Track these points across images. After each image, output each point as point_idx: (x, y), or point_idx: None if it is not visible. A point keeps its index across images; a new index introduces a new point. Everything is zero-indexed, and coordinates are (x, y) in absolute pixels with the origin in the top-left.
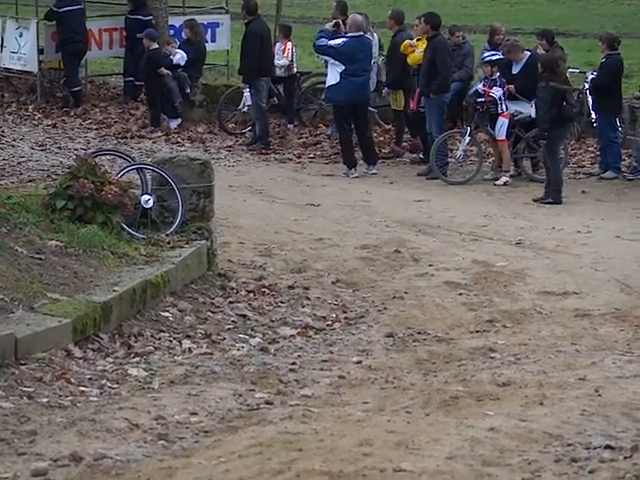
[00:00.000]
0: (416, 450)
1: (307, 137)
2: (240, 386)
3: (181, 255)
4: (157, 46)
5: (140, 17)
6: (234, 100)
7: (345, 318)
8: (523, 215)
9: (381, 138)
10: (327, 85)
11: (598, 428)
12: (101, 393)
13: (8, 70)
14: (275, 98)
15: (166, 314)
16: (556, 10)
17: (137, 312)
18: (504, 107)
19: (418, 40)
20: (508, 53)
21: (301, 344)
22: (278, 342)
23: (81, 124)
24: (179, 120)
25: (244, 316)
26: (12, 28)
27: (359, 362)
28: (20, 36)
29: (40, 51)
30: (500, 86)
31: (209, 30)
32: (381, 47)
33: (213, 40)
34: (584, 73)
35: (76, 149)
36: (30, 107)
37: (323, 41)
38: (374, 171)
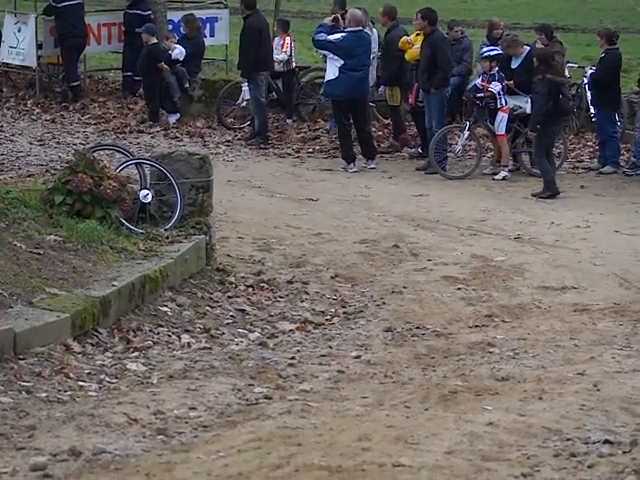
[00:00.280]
0: (415, 445)
1: (306, 132)
2: (239, 381)
3: (180, 250)
4: (156, 41)
5: (139, 12)
6: (233, 95)
7: (344, 313)
8: (522, 210)
9: (380, 133)
10: (326, 80)
11: (597, 423)
12: (100, 388)
13: (7, 65)
14: (274, 93)
15: (165, 309)
16: (555, 4)
17: (136, 307)
18: (503, 102)
19: (417, 35)
20: (508, 48)
21: (300, 339)
22: (277, 337)
23: (80, 119)
24: (178, 115)
25: (243, 311)
26: (11, 23)
27: (358, 357)
28: (19, 31)
29: (39, 46)
30: (499, 81)
31: (208, 25)
32: (380, 42)
33: (212, 35)
34: (583, 68)
35: (75, 144)
36: (29, 102)
37: (322, 36)
38: (373, 166)
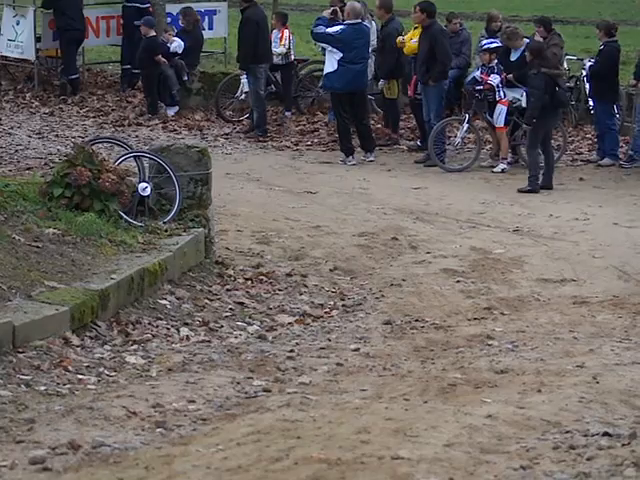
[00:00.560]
0: (414, 437)
1: (304, 125)
2: (238, 374)
3: (178, 243)
4: (154, 34)
5: (138, 5)
6: (231, 88)
7: (343, 305)
8: (521, 202)
9: (378, 125)
10: (325, 73)
11: (596, 415)
12: (99, 381)
13: (5, 58)
14: (272, 86)
15: (164, 302)
16: None
17: (135, 300)
18: (502, 94)
19: (415, 29)
20: (507, 40)
21: (299, 332)
22: (276, 330)
23: (78, 112)
24: (176, 108)
25: (242, 304)
26: (9, 16)
27: (357, 349)
28: (17, 24)
29: (37, 39)
30: (498, 73)
31: (206, 18)
32: (378, 35)
33: (210, 28)
34: (582, 60)
35: (73, 137)
36: (27, 95)
37: (321, 28)
38: (372, 158)
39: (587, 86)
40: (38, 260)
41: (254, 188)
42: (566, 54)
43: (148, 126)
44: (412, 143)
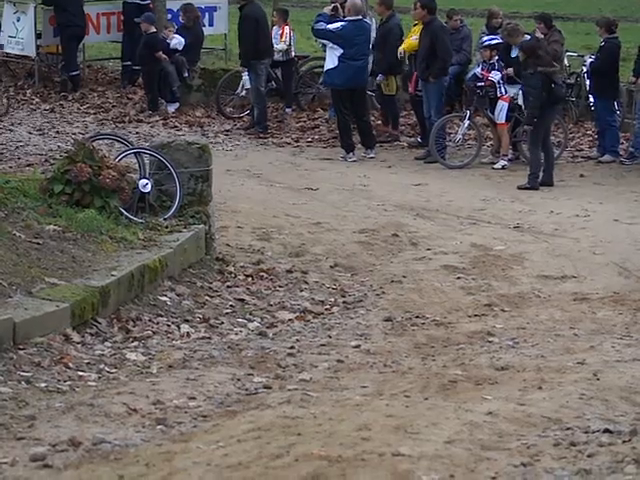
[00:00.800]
0: (415, 434)
1: (305, 121)
2: (238, 370)
3: (179, 239)
4: (155, 30)
5: (138, 1)
6: (232, 84)
7: (343, 302)
8: (521, 199)
9: (379, 122)
10: (325, 69)
11: (597, 412)
12: (99, 378)
13: (6, 55)
14: (273, 82)
15: (164, 298)
16: None
17: (135, 296)
18: (503, 90)
19: (415, 25)
20: (508, 37)
21: (299, 328)
22: (276, 326)
23: (79, 108)
24: (177, 104)
25: (242, 300)
26: (10, 12)
27: (357, 346)
28: (18, 20)
29: (38, 35)
30: (498, 70)
31: (207, 14)
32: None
33: (211, 24)
34: (582, 57)
35: (74, 133)
36: (28, 92)
37: (322, 25)
38: (372, 155)
39: (587, 83)
40: (38, 257)
41: (254, 185)
42: (566, 51)
43: (149, 123)
44: (412, 140)
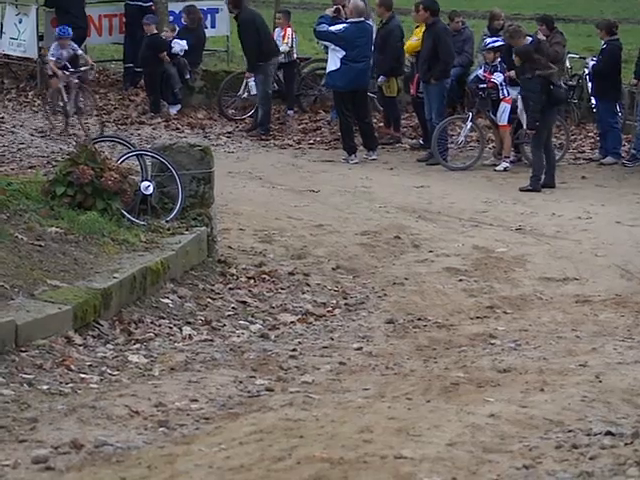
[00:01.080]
0: (417, 437)
1: (307, 123)
2: (240, 373)
3: (181, 242)
4: (157, 31)
5: (140, 3)
6: (234, 86)
7: (345, 304)
8: (523, 201)
9: (381, 124)
10: (327, 71)
11: (599, 414)
12: (101, 380)
13: (8, 56)
14: (275, 84)
15: (166, 301)
16: None
17: (137, 299)
18: (505, 92)
19: (416, 27)
20: (510, 38)
21: (301, 330)
22: (278, 328)
23: None
24: (179, 106)
25: (244, 302)
26: (12, 14)
27: (359, 348)
28: (20, 22)
29: (40, 37)
30: (501, 72)
31: (209, 16)
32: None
33: (213, 26)
34: (584, 58)
35: (76, 135)
36: (30, 93)
37: (324, 27)
38: (374, 157)
39: (589, 85)
40: (41, 259)
41: (256, 187)
42: (568, 52)
43: (150, 124)
44: (414, 141)
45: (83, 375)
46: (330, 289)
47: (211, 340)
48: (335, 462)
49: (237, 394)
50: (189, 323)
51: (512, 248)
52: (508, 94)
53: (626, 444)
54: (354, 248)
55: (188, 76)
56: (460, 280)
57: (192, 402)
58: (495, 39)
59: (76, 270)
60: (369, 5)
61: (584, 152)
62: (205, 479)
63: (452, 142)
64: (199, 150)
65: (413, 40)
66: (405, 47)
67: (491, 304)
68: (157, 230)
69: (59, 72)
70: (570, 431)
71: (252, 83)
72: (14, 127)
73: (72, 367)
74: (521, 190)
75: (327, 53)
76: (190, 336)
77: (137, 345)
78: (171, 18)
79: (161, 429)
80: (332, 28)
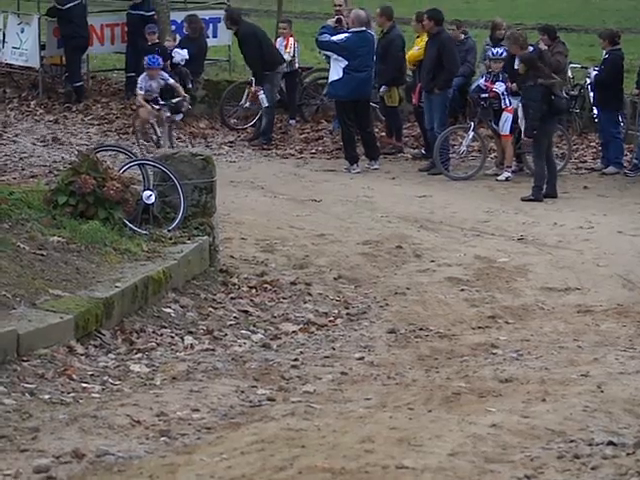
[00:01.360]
0: (418, 447)
1: (309, 132)
2: (242, 382)
3: (183, 251)
4: (158, 41)
5: (142, 12)
6: (236, 95)
7: (347, 314)
8: (525, 211)
9: (383, 134)
10: (330, 80)
11: (601, 424)
12: (103, 389)
13: (10, 66)
14: (277, 94)
15: (168, 310)
16: (558, 5)
17: (139, 308)
18: (507, 102)
19: (417, 37)
20: (511, 45)
21: (303, 340)
22: (280, 338)
23: (83, 120)
24: (181, 115)
25: (246, 312)
26: (14, 23)
27: (361, 358)
28: (22, 32)
29: (42, 47)
30: (503, 81)
31: (210, 25)
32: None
33: (215, 35)
34: (586, 68)
35: (78, 145)
36: (32, 103)
37: (326, 37)
38: (376, 166)
39: (591, 94)
40: (42, 268)
41: (258, 196)
42: (570, 62)
43: None
44: (416, 151)
45: (85, 384)
46: (332, 299)
47: (213, 350)
48: (337, 472)
49: (239, 404)
50: (191, 332)
51: (514, 258)
52: (510, 104)
53: (628, 454)
54: (356, 258)
55: (190, 85)
56: (462, 290)
57: (194, 412)
58: (504, 49)
59: (78, 279)
60: (370, 14)
61: (586, 162)
62: None
63: (454, 152)
64: (201, 159)
65: (415, 50)
66: (407, 57)
67: (493, 314)
68: (159, 239)
69: (148, 107)
70: (572, 441)
71: (262, 96)
72: (16, 136)
73: (74, 376)
74: (523, 200)
75: (329, 63)
76: (192, 345)
77: (139, 354)
78: (173, 27)
79: (163, 439)
80: (334, 38)
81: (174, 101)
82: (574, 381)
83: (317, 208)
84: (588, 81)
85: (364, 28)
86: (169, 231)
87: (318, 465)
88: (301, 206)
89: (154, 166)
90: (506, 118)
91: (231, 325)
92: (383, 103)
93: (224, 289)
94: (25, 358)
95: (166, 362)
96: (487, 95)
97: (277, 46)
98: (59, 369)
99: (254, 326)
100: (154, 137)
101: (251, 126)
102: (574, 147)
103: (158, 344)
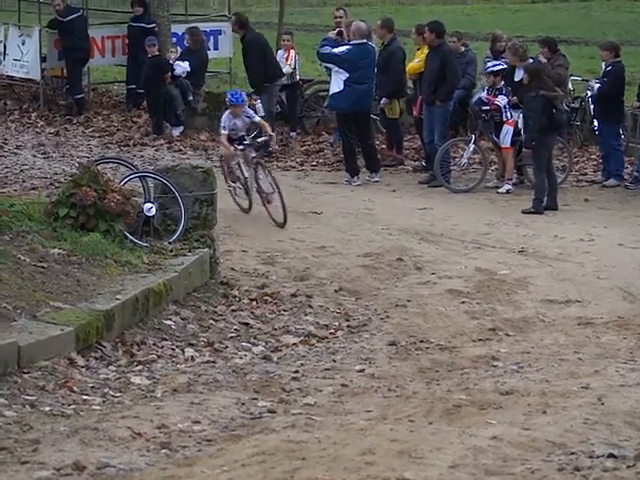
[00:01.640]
0: (419, 459)
1: (310, 145)
2: (243, 394)
3: (184, 263)
4: (159, 53)
5: (143, 25)
6: None
7: (348, 326)
8: (525, 223)
9: (383, 146)
10: (331, 93)
11: (601, 437)
12: (104, 402)
13: (11, 78)
14: (278, 106)
15: (169, 322)
16: (558, 17)
17: (140, 320)
18: (509, 115)
19: (417, 49)
20: (511, 56)
21: (304, 352)
22: (281, 350)
23: (84, 132)
24: (181, 128)
25: (247, 324)
26: (15, 35)
27: (362, 370)
28: (23, 44)
29: (43, 59)
30: (505, 94)
31: (211, 37)
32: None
33: (216, 48)
34: (587, 81)
35: (79, 157)
36: (33, 115)
37: (327, 49)
38: (377, 179)
39: (592, 107)
40: (43, 280)
41: (259, 208)
42: (571, 75)
43: (153, 146)
44: (417, 163)
45: (85, 397)
46: (332, 311)
47: (213, 362)
48: None
49: (239, 416)
50: (191, 345)
51: (514, 270)
52: (511, 116)
53: (628, 467)
54: (356, 270)
55: (191, 98)
56: (462, 302)
57: (194, 424)
58: (495, 63)
59: (79, 292)
60: (371, 26)
61: (586, 174)
62: None
63: (455, 164)
64: (202, 172)
65: (415, 62)
66: (407, 69)
67: (493, 326)
68: (160, 252)
69: (230, 149)
70: (572, 453)
71: (259, 105)
72: (17, 148)
73: (74, 388)
74: (524, 212)
75: (329, 75)
76: (192, 358)
77: (139, 367)
78: (174, 40)
79: (163, 451)
80: (335, 50)
81: (260, 140)
82: (575, 393)
83: (318, 220)
84: (589, 93)
85: (365, 40)
86: (170, 243)
87: (319, 477)
88: (302, 218)
89: (155, 178)
90: (507, 131)
91: (232, 337)
92: (384, 115)
93: (225, 301)
94: (26, 370)
95: (167, 374)
96: (488, 108)
97: (278, 58)
98: (60, 381)
99: (255, 338)
100: (241, 179)
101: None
102: (575, 159)
103: (159, 356)
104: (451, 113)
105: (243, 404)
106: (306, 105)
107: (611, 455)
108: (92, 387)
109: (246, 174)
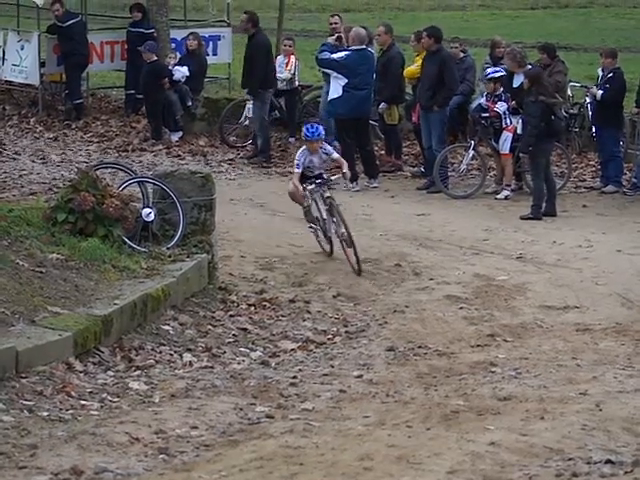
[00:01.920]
0: (417, 464)
1: None
2: (241, 400)
3: (182, 268)
4: (156, 58)
5: (142, 30)
6: (236, 113)
7: (346, 332)
8: (524, 229)
9: (382, 152)
10: (329, 98)
11: (599, 443)
12: (102, 407)
13: (10, 83)
14: (276, 111)
15: (167, 327)
16: (557, 24)
17: (138, 325)
18: (508, 121)
19: (416, 55)
20: (511, 62)
21: (302, 358)
22: (279, 356)
23: (82, 137)
24: (180, 133)
25: (245, 330)
26: (14, 41)
27: (360, 376)
28: (22, 49)
29: (41, 64)
30: (505, 101)
31: (210, 43)
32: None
33: (215, 53)
34: (586, 87)
35: (77, 162)
36: (31, 120)
37: (326, 54)
38: (375, 185)
39: (590, 113)
40: (41, 285)
41: (258, 214)
42: (570, 81)
43: (152, 151)
44: (416, 169)
45: (83, 402)
46: (331, 317)
47: (211, 367)
48: None
49: (237, 421)
50: (189, 350)
51: (513, 276)
52: (510, 123)
53: (626, 472)
54: (355, 276)
55: (190, 103)
56: (461, 308)
57: (192, 429)
58: (495, 69)
59: (77, 297)
60: (371, 32)
61: (585, 180)
62: None
63: (453, 170)
64: (200, 177)
65: (413, 67)
66: (404, 73)
67: (492, 332)
68: (158, 257)
69: (300, 189)
70: (570, 459)
71: (250, 105)
72: (16, 153)
73: (72, 394)
74: (522, 218)
75: (326, 81)
76: (190, 363)
77: (137, 372)
78: (173, 45)
79: (161, 456)
80: (334, 56)
81: (333, 178)
82: (572, 399)
83: None
84: (588, 100)
85: (364, 46)
86: (168, 249)
87: None
88: (300, 224)
89: (153, 183)
90: (506, 137)
91: (230, 343)
92: (382, 121)
93: (223, 307)
94: (24, 375)
95: (165, 379)
96: (488, 115)
97: (278, 63)
98: (58, 386)
99: (253, 344)
100: (320, 220)
101: (250, 144)
102: (573, 166)
103: (157, 361)
104: (450, 119)
105: (241, 409)
106: (305, 111)
107: (609, 461)
108: (90, 392)
109: (324, 215)
